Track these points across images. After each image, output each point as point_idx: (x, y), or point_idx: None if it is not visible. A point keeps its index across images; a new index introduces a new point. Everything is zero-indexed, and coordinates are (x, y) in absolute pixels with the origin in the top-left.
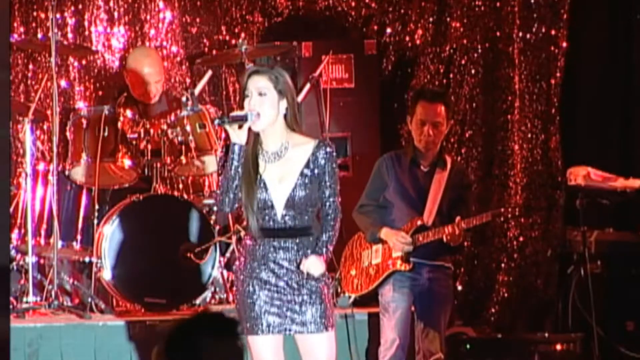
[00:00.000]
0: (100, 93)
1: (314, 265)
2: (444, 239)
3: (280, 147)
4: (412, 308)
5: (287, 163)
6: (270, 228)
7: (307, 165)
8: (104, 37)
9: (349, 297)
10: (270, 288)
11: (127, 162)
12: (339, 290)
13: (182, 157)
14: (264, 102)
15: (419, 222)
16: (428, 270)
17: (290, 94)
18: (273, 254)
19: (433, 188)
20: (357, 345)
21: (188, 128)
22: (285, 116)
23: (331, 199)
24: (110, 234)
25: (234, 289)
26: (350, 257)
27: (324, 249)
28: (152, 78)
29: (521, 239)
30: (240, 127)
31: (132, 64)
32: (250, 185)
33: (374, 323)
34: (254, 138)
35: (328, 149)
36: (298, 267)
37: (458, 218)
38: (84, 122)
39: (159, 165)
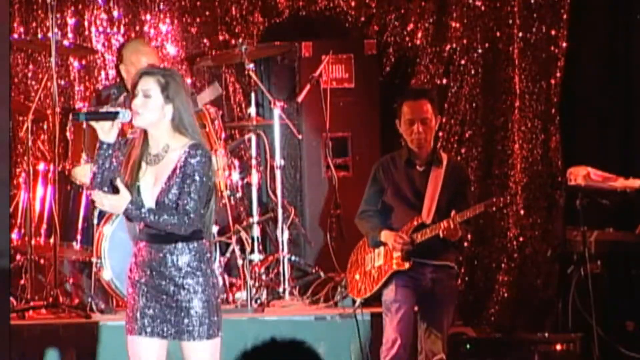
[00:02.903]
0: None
1: (97, 200)
2: (441, 234)
3: (161, 150)
4: (415, 308)
5: (163, 166)
6: (145, 231)
7: (174, 169)
8: (104, 37)
9: (355, 301)
10: (149, 292)
11: None
12: (344, 294)
13: None
14: (147, 103)
15: (417, 221)
16: (431, 270)
17: (179, 99)
18: (149, 257)
19: (430, 186)
20: (360, 345)
21: None
22: (173, 120)
23: (183, 208)
24: (110, 234)
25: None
26: (355, 262)
27: (133, 207)
28: None
29: (521, 239)
30: (112, 125)
31: (130, 54)
32: (127, 187)
33: (376, 323)
34: (142, 140)
35: (193, 153)
36: (171, 274)
37: (453, 212)
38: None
39: None
